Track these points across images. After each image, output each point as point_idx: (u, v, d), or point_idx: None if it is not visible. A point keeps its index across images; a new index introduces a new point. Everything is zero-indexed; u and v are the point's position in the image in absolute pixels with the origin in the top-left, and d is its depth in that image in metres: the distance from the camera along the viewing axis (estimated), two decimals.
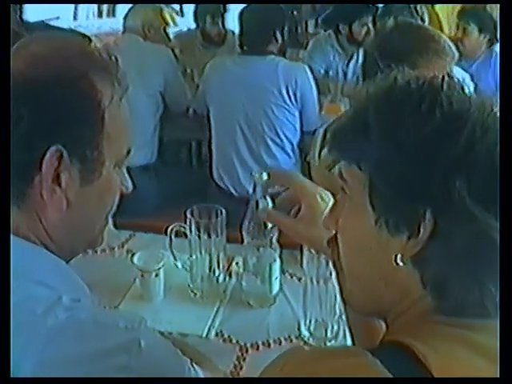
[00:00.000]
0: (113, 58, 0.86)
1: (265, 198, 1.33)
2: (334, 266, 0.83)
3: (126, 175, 0.92)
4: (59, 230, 0.82)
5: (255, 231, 1.35)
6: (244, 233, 1.37)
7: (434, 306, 0.70)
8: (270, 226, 1.34)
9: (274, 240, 1.37)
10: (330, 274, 1.24)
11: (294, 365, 0.67)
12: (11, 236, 0.78)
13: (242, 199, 2.44)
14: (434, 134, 0.66)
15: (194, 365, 0.89)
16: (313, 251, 1.27)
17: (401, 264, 0.70)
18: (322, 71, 3.60)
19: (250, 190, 2.53)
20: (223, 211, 1.37)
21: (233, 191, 2.68)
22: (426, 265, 0.69)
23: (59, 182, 0.77)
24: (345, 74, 3.62)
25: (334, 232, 0.82)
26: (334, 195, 1.60)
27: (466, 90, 0.71)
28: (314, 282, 1.28)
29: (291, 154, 2.67)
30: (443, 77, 0.72)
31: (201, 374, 0.90)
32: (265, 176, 1.31)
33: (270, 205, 1.34)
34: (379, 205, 0.70)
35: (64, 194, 0.78)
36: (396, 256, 0.70)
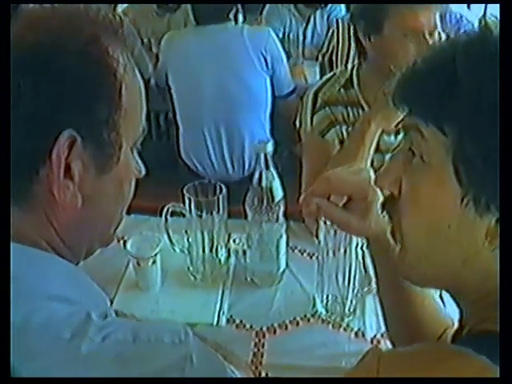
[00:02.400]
0: (118, 18, 0.71)
1: (268, 168, 1.24)
2: (393, 234, 0.72)
3: (138, 158, 0.78)
4: (73, 232, 0.69)
5: (259, 206, 1.25)
6: (247, 208, 1.27)
7: None
8: (276, 199, 1.24)
9: (281, 214, 1.27)
10: (349, 246, 1.15)
11: (389, 369, 0.57)
12: (14, 244, 0.63)
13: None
14: None
15: (231, 367, 0.78)
16: (328, 223, 1.18)
17: (488, 249, 0.60)
18: (280, 35, 3.49)
19: (224, 169, 2.50)
20: (223, 187, 1.26)
21: (201, 171, 2.53)
22: None
23: (71, 174, 0.63)
24: (304, 37, 3.52)
25: (388, 193, 0.71)
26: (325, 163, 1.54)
27: None
28: (330, 255, 1.18)
29: (266, 123, 2.54)
30: None
31: (238, 376, 0.79)
32: (269, 146, 1.21)
33: (276, 177, 1.24)
34: (469, 178, 0.58)
35: (78, 188, 0.64)
36: (483, 241, 0.59)
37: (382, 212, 0.74)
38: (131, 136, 0.70)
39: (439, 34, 1.41)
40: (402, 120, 0.68)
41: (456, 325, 0.74)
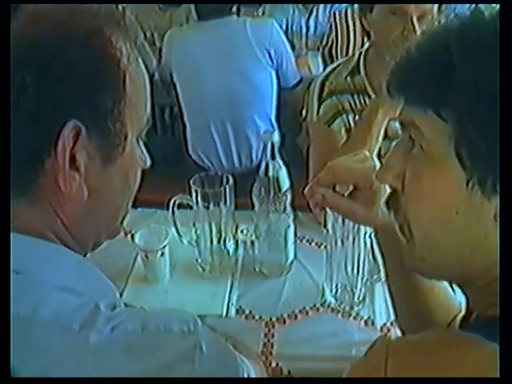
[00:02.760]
0: (120, 8, 0.71)
1: (274, 159, 1.23)
2: (401, 230, 0.70)
3: (143, 148, 0.78)
4: (79, 223, 0.68)
5: (266, 196, 1.25)
6: (254, 198, 1.27)
7: None
8: (283, 189, 1.24)
9: (288, 205, 1.27)
10: (358, 234, 1.15)
11: (399, 357, 0.56)
12: (22, 236, 0.63)
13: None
14: None
15: (242, 356, 0.78)
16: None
17: (495, 229, 0.58)
18: (283, 26, 3.47)
19: (231, 163, 2.48)
20: (230, 178, 1.25)
21: (209, 165, 2.53)
22: None
23: (77, 165, 0.63)
24: (307, 29, 3.50)
25: (392, 188, 0.70)
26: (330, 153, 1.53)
27: None
28: (339, 244, 1.18)
29: (272, 115, 2.53)
30: None
31: (249, 365, 0.78)
32: (275, 136, 1.20)
33: (282, 167, 1.24)
34: (472, 162, 0.57)
35: (84, 179, 0.64)
36: (492, 223, 0.58)
37: (388, 209, 0.73)
38: (136, 126, 0.70)
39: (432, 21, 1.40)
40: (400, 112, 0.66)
41: (463, 311, 0.73)
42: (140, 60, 0.71)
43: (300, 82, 2.60)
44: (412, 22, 1.39)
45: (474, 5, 0.65)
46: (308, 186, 0.89)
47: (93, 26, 0.64)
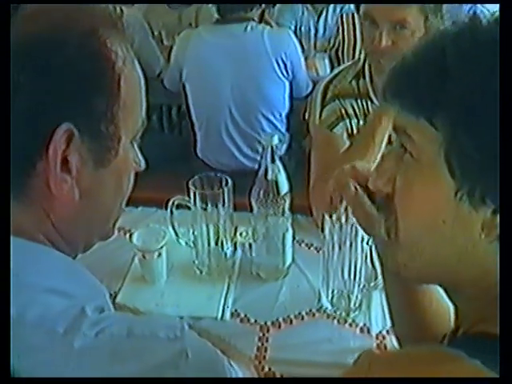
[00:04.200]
0: (118, 10, 0.71)
1: (273, 162, 1.23)
2: (387, 232, 0.69)
3: (138, 151, 0.78)
4: (70, 226, 0.68)
5: (265, 199, 1.24)
6: (253, 201, 1.26)
7: None
8: (282, 193, 1.23)
9: (286, 208, 1.26)
10: (355, 240, 1.14)
11: (380, 372, 0.55)
12: (12, 238, 0.63)
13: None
14: None
15: (231, 361, 0.78)
16: (334, 217, 1.16)
17: (485, 242, 0.58)
18: (292, 27, 3.46)
19: (241, 165, 2.46)
20: (229, 180, 1.25)
21: (221, 168, 2.53)
22: None
23: (69, 168, 0.63)
24: (316, 30, 3.49)
25: (384, 193, 0.69)
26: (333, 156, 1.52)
27: None
28: (336, 249, 1.17)
29: (282, 128, 2.53)
30: None
31: (238, 371, 0.78)
32: (275, 139, 1.20)
33: (282, 170, 1.23)
34: (462, 171, 0.56)
35: (75, 182, 0.64)
36: (480, 234, 0.58)
37: (378, 211, 0.73)
38: (130, 129, 0.70)
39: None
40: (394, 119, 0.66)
41: (452, 325, 0.72)
42: (136, 63, 0.71)
43: (312, 91, 2.59)
44: (380, 33, 1.37)
45: (472, 12, 0.64)
46: (337, 171, 0.86)
47: (88, 28, 0.64)
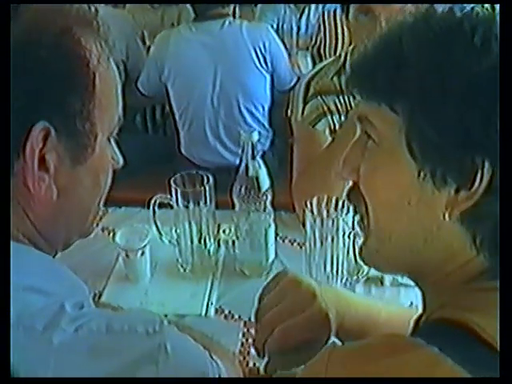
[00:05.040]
0: (93, 9, 0.71)
1: (254, 158, 1.23)
2: (360, 222, 0.72)
3: (116, 148, 0.78)
4: (49, 224, 0.69)
5: (246, 195, 1.25)
6: (234, 197, 1.27)
7: (485, 268, 0.61)
8: (263, 189, 1.24)
9: (268, 204, 1.26)
10: (336, 234, 1.15)
11: (340, 365, 0.56)
12: None
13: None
14: (491, 72, 0.55)
15: (213, 355, 0.78)
16: (315, 212, 1.17)
17: (448, 221, 0.60)
18: (275, 26, 3.47)
19: (226, 161, 2.46)
20: (210, 177, 1.25)
21: (205, 165, 2.53)
22: (480, 223, 0.59)
23: (46, 166, 0.63)
24: (298, 28, 3.50)
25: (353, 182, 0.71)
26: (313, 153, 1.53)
27: None
28: (318, 244, 1.18)
29: (264, 122, 2.55)
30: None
31: (220, 365, 0.78)
32: (255, 136, 1.20)
33: (262, 167, 1.24)
34: (423, 153, 0.59)
35: (53, 180, 0.64)
36: (444, 213, 0.60)
37: (349, 202, 0.74)
38: (106, 126, 0.70)
39: None
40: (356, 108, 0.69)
41: (419, 312, 0.73)
42: (112, 60, 0.71)
43: (296, 85, 2.61)
44: (380, 23, 1.38)
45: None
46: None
47: (62, 26, 0.64)
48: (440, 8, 0.63)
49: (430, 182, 0.60)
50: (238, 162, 2.17)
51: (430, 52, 0.58)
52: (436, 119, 0.57)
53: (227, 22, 2.42)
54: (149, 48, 2.67)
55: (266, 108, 2.55)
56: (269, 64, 2.47)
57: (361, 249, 0.73)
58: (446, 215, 0.60)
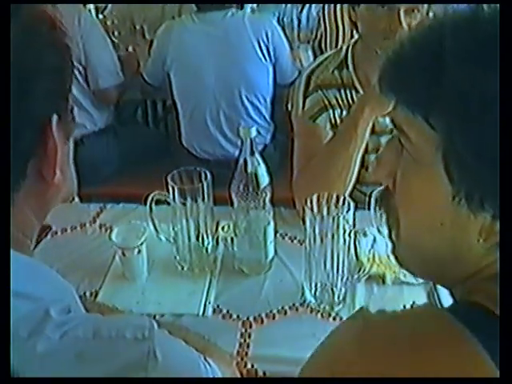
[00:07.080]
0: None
1: (253, 154, 1.20)
2: (390, 232, 0.69)
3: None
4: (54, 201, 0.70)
5: (245, 192, 1.22)
6: (233, 194, 1.24)
7: None
8: (262, 186, 1.21)
9: (267, 201, 1.24)
10: (337, 232, 1.12)
11: (371, 332, 0.55)
12: None
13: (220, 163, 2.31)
14: None
15: (208, 359, 0.76)
16: (315, 209, 1.15)
17: (482, 246, 0.57)
18: (275, 18, 3.44)
19: (227, 153, 2.45)
20: (208, 174, 1.22)
21: (205, 156, 2.53)
22: None
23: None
24: (299, 21, 3.46)
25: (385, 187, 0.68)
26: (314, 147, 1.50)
27: None
28: (318, 241, 1.15)
29: (266, 114, 2.52)
30: None
31: (215, 368, 0.76)
32: (253, 131, 1.17)
33: (261, 163, 1.21)
34: (461, 176, 0.54)
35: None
36: (478, 239, 0.56)
37: (380, 208, 0.72)
38: None
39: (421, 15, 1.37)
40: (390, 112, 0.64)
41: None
42: None
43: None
44: (399, 15, 1.37)
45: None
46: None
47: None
48: (487, 10, 0.56)
49: (466, 207, 0.55)
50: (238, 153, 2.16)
51: (474, 61, 0.51)
52: (475, 143, 0.51)
53: (230, 13, 2.41)
54: (151, 42, 2.63)
55: (268, 100, 2.52)
56: (271, 54, 2.45)
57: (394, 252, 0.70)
58: (481, 241, 0.56)
